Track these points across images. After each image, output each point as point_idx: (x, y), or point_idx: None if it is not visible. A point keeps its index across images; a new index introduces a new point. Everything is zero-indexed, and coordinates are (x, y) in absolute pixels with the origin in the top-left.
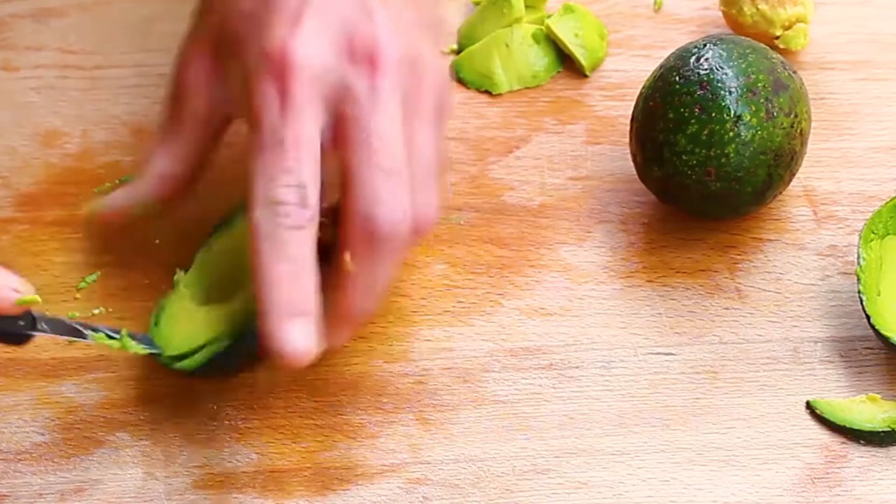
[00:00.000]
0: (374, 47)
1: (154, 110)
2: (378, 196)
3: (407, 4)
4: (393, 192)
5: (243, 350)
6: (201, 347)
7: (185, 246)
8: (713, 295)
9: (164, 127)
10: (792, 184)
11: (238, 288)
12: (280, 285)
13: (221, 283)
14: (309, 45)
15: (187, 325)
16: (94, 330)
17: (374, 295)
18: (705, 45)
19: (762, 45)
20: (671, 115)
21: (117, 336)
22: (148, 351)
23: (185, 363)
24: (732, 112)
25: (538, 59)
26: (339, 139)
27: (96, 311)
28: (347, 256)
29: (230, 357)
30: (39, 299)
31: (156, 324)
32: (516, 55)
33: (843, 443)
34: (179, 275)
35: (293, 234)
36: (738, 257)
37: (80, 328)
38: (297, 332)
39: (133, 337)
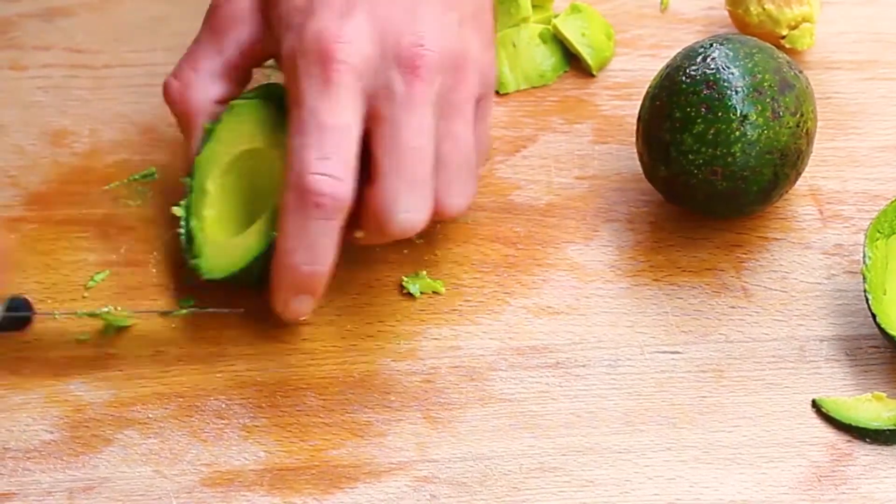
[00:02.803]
0: (416, 52)
1: (162, 109)
2: (398, 203)
3: (452, 3)
4: (412, 202)
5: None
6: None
7: None
8: (719, 294)
9: (199, 49)
10: (798, 183)
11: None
12: (295, 272)
13: (242, 195)
14: (355, 40)
15: (220, 256)
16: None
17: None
18: (711, 45)
19: (768, 45)
20: (677, 115)
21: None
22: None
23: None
24: (738, 111)
25: (545, 59)
26: (373, 136)
27: (105, 310)
28: (359, 233)
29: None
30: None
31: (193, 256)
32: (523, 55)
33: (849, 441)
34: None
35: (320, 224)
36: (744, 256)
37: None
38: (297, 304)
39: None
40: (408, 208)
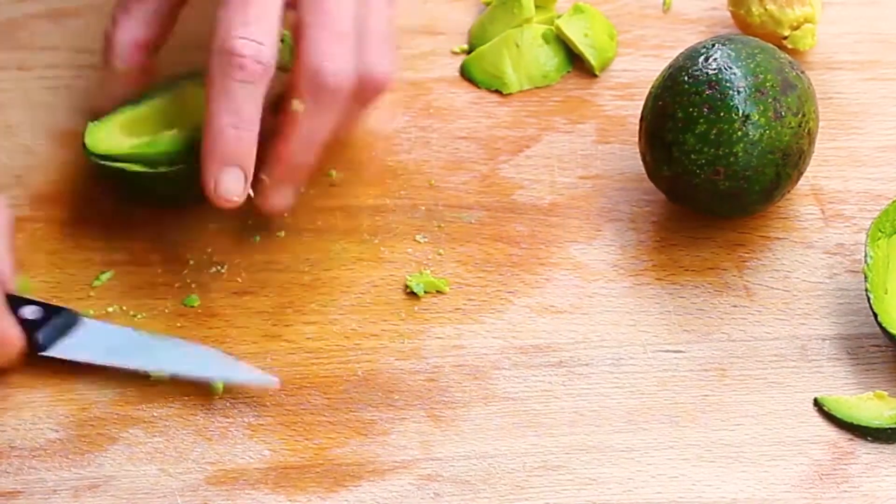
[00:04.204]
0: None
1: None
2: (325, 53)
3: None
4: (339, 51)
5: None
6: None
7: (199, 244)
8: (722, 293)
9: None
10: (800, 183)
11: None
12: (222, 136)
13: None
14: None
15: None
16: None
17: (314, 144)
18: (714, 45)
19: (770, 46)
20: (680, 115)
21: None
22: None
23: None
24: (741, 112)
25: (548, 59)
26: (297, 2)
27: (110, 309)
28: (296, 104)
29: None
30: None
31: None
32: (526, 55)
33: (851, 439)
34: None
35: (243, 87)
36: (747, 255)
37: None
38: (229, 178)
39: None
40: (334, 56)
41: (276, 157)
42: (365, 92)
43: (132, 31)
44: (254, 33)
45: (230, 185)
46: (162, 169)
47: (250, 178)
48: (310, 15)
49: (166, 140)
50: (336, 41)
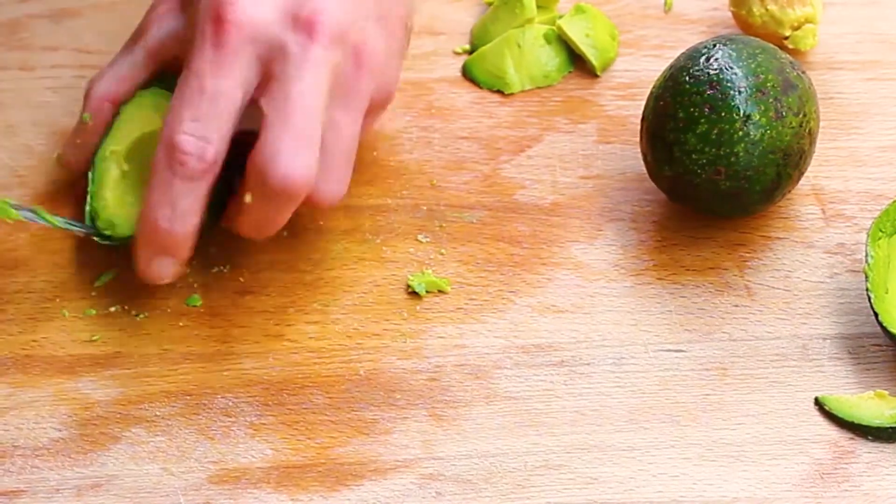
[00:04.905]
0: (316, 16)
1: None
2: (279, 152)
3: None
4: (294, 153)
5: None
6: None
7: (201, 244)
8: (723, 292)
9: (116, 55)
10: (800, 182)
11: None
12: (155, 228)
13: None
14: (255, 4)
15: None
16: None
17: (262, 231)
18: (715, 46)
19: (771, 46)
20: (681, 115)
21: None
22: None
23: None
24: (742, 111)
25: (550, 59)
26: (263, 95)
27: (113, 309)
28: (248, 197)
29: None
30: None
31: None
32: (528, 55)
33: (852, 439)
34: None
35: (184, 183)
36: (748, 255)
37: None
38: (158, 265)
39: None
40: (290, 162)
41: (230, 224)
42: (316, 202)
43: (107, 86)
44: (201, 129)
45: (161, 270)
46: None
47: (184, 261)
48: (273, 112)
49: None
50: (294, 142)
